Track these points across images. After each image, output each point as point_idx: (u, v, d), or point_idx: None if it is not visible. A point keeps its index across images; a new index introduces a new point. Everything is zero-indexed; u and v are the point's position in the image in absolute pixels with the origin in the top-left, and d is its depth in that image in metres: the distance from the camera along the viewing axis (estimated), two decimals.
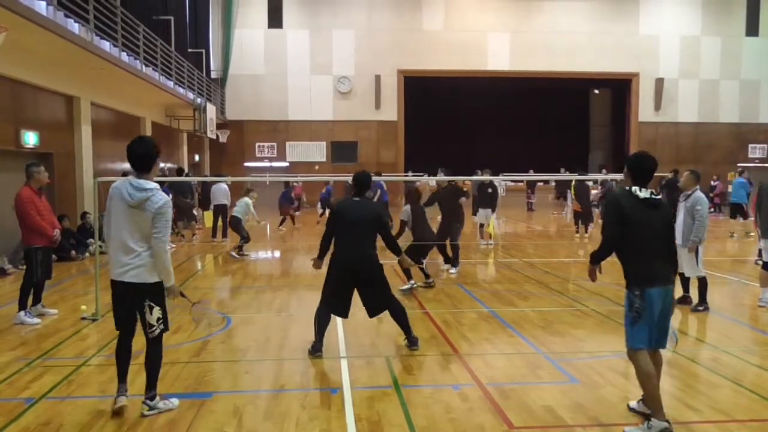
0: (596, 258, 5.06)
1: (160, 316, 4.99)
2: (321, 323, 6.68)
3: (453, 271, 11.65)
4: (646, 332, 4.75)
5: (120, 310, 5.03)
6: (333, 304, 6.72)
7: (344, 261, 6.62)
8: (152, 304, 4.94)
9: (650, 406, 4.76)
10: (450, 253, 11.78)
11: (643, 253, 4.77)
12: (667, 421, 4.63)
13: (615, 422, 4.91)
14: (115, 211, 4.92)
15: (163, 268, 4.93)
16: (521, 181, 28.25)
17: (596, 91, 36.99)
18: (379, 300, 6.74)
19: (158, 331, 4.98)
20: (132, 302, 4.96)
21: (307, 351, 6.69)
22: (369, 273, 6.64)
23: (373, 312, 6.79)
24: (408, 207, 10.62)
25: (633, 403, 5.14)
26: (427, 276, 10.39)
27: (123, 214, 4.88)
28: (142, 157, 4.93)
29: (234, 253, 14.03)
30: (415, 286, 10.00)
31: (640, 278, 4.75)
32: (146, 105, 20.47)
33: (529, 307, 9.01)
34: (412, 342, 6.83)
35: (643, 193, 4.82)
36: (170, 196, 16.09)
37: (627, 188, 4.92)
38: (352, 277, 6.63)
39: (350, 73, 30.65)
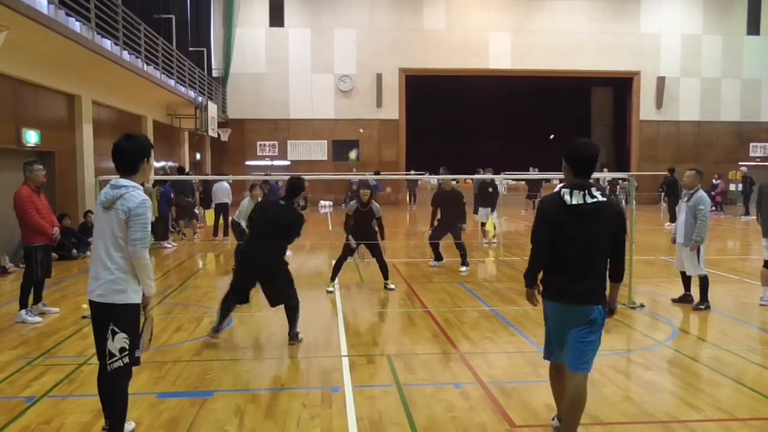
0: (529, 277, 4.38)
1: (125, 347, 4.14)
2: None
3: (463, 269, 11.71)
4: (546, 343, 4.48)
5: (96, 335, 4.25)
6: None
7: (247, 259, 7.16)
8: (116, 329, 4.11)
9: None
10: (439, 250, 12.29)
11: (560, 267, 4.22)
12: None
13: (616, 420, 4.91)
14: (96, 220, 4.29)
15: (144, 278, 4.20)
16: (522, 180, 28.19)
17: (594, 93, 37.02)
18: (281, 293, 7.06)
19: (119, 363, 4.14)
20: (103, 326, 4.17)
21: (308, 350, 6.74)
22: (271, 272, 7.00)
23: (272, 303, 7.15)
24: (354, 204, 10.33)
25: (555, 423, 4.67)
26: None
27: (99, 221, 4.21)
28: (126, 155, 4.22)
29: None
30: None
31: (547, 289, 4.33)
32: (147, 103, 20.46)
33: (530, 305, 8.97)
34: (291, 336, 6.96)
35: (575, 199, 4.10)
36: (172, 195, 16.25)
37: (558, 191, 4.24)
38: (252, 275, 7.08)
39: (352, 71, 30.65)
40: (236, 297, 7.10)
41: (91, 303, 4.20)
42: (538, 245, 4.27)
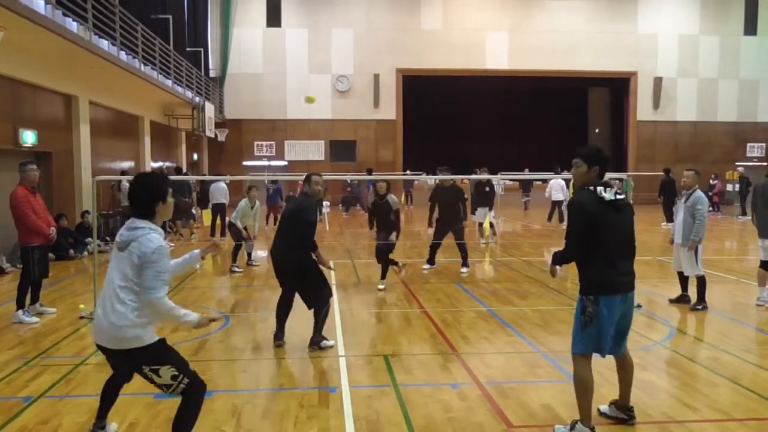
0: (558, 260, 4.72)
1: (175, 373, 3.87)
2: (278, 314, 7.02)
3: (464, 270, 11.56)
4: (595, 339, 4.51)
5: (110, 364, 4.17)
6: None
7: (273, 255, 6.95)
8: (155, 367, 3.83)
9: (580, 410, 4.56)
10: (435, 254, 11.91)
11: (609, 261, 4.44)
12: (592, 428, 4.53)
13: (613, 421, 4.91)
14: (111, 258, 4.00)
15: (174, 321, 3.97)
16: (519, 180, 28.21)
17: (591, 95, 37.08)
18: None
19: (182, 386, 3.90)
20: (124, 366, 4.02)
21: (305, 350, 6.74)
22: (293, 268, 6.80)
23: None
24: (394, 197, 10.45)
25: (604, 407, 4.97)
26: (395, 263, 10.43)
27: (114, 260, 3.92)
28: (136, 202, 3.95)
29: (251, 261, 12.68)
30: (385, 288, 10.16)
31: (600, 286, 4.45)
32: (145, 104, 20.45)
33: (527, 305, 9.01)
34: (312, 342, 6.77)
35: (608, 195, 4.41)
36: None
37: (590, 189, 4.49)
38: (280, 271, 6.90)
39: (349, 72, 30.64)
40: (280, 299, 6.98)
41: (101, 347, 3.93)
42: (574, 238, 4.51)
